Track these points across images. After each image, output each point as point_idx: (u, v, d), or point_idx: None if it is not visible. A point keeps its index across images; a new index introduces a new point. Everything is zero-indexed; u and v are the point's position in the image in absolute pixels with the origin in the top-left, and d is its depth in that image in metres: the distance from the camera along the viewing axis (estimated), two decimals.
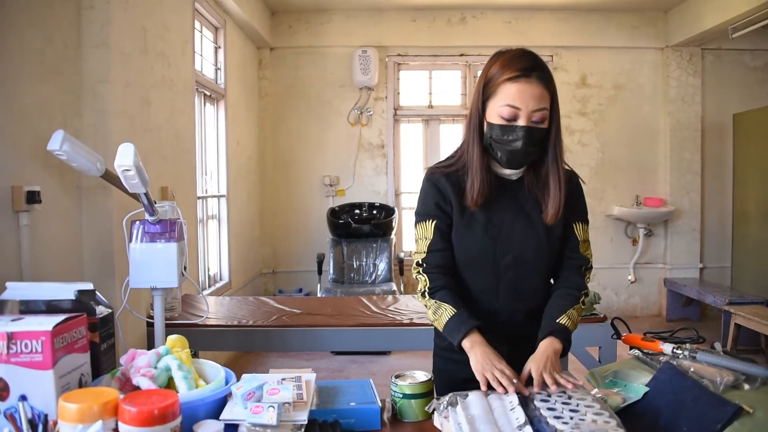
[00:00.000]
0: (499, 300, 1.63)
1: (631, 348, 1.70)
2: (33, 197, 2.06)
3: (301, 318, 3.03)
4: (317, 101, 6.36)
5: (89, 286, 1.62)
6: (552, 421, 1.24)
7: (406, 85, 6.55)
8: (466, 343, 1.52)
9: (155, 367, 1.48)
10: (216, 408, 1.36)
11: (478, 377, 1.46)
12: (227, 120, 4.96)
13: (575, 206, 1.68)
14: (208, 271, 4.69)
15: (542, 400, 1.35)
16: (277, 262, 6.45)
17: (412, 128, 6.62)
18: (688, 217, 6.34)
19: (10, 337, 1.30)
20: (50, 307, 1.55)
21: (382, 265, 5.62)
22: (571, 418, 1.25)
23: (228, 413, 1.34)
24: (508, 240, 1.61)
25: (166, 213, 2.15)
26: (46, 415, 1.23)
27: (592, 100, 6.37)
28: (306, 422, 1.32)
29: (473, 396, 1.40)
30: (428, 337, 2.85)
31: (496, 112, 1.52)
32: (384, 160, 6.45)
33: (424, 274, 1.64)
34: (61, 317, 1.37)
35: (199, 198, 4.31)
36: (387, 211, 6.01)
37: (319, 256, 5.61)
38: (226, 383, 1.46)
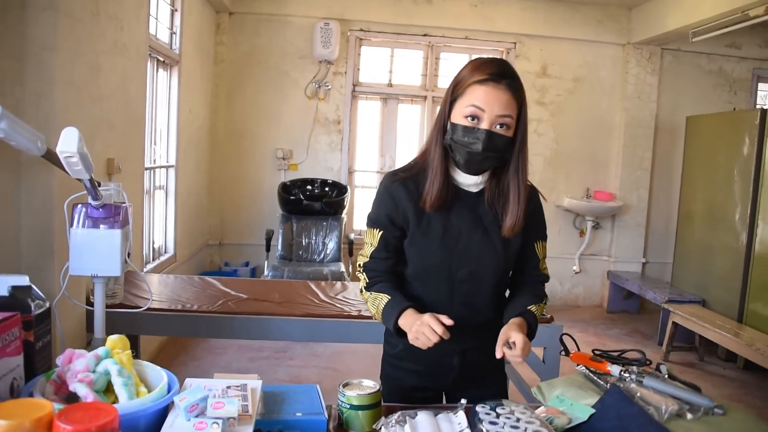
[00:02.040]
0: (452, 312, 1.58)
1: (578, 365, 1.71)
2: None
3: (248, 304, 2.95)
4: (275, 71, 6.18)
5: (25, 280, 1.52)
6: None
7: (366, 62, 6.44)
8: (401, 321, 1.55)
9: (94, 371, 1.40)
10: (158, 418, 1.30)
11: (416, 344, 1.49)
12: (180, 87, 4.76)
13: (536, 224, 1.70)
14: (153, 243, 4.54)
15: (491, 423, 1.34)
16: (225, 234, 6.31)
17: (370, 106, 6.52)
18: (635, 213, 6.49)
19: None
20: None
21: (331, 245, 5.57)
22: None
23: (169, 426, 1.27)
24: (465, 253, 1.61)
25: (111, 197, 2.04)
26: None
27: (551, 90, 6.40)
28: None
29: (422, 415, 1.38)
30: (375, 330, 2.86)
31: (461, 113, 1.51)
32: (339, 136, 6.35)
33: (364, 273, 1.68)
34: None
35: (147, 169, 4.14)
36: (339, 189, 5.94)
37: (268, 232, 5.51)
38: (169, 390, 1.40)
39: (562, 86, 6.41)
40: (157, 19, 4.29)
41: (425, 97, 6.44)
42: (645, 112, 6.36)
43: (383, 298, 1.60)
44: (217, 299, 3.02)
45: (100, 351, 1.45)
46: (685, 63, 6.43)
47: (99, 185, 2.04)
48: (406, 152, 6.48)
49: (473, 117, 1.49)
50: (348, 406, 1.46)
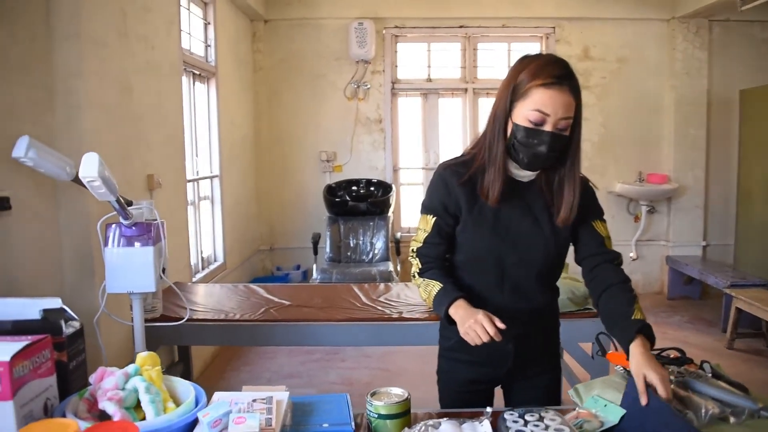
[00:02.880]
0: (503, 298, 1.67)
1: (616, 365, 1.65)
2: (2, 204, 2.00)
3: (289, 311, 2.97)
4: (312, 75, 6.23)
5: (57, 302, 1.57)
6: None
7: (404, 58, 6.41)
8: (451, 310, 1.58)
9: (123, 388, 1.44)
10: None
11: (466, 338, 1.52)
12: (219, 98, 4.85)
13: (591, 207, 1.76)
14: (201, 253, 4.64)
15: (518, 431, 1.31)
16: (275, 239, 6.40)
17: (410, 102, 6.49)
18: (691, 194, 6.24)
19: None
20: (16, 328, 1.50)
21: (379, 244, 5.57)
22: None
23: None
24: (515, 240, 1.65)
25: (142, 214, 2.09)
26: None
27: (594, 73, 6.22)
28: None
29: (446, 425, 1.36)
30: (416, 331, 2.84)
31: (523, 115, 1.53)
32: (382, 135, 6.34)
33: (417, 258, 1.72)
34: (21, 344, 1.32)
35: (189, 181, 4.23)
36: (384, 188, 5.93)
37: (315, 236, 5.55)
38: (197, 404, 1.42)
39: (606, 68, 6.22)
40: (190, 34, 4.38)
41: (465, 90, 6.36)
42: (696, 89, 6.11)
43: (435, 285, 1.64)
44: (259, 307, 3.05)
45: (130, 368, 1.48)
46: (736, 33, 6.13)
47: (131, 204, 2.09)
48: (450, 146, 6.42)
49: (538, 121, 1.52)
50: (376, 416, 1.46)
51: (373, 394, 1.50)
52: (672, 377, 1.51)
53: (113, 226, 2.06)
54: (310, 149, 6.33)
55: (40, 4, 2.35)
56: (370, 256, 5.57)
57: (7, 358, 1.25)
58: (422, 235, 1.71)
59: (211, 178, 4.86)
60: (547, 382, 1.79)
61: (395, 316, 2.88)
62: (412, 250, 1.74)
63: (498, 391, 1.85)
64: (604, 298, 1.65)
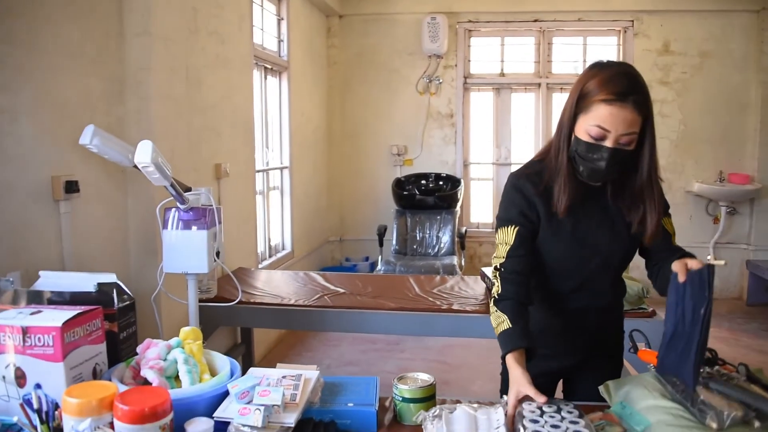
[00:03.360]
0: (581, 297, 1.70)
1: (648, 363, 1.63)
2: (71, 187, 2.19)
3: (342, 298, 3.07)
4: (385, 69, 6.31)
5: (112, 277, 1.71)
6: None
7: (476, 53, 6.39)
8: (508, 359, 1.54)
9: (165, 359, 1.55)
10: (215, 403, 1.41)
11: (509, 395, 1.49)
12: (290, 92, 5.01)
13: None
14: (269, 241, 4.82)
15: (531, 420, 1.33)
16: (345, 231, 6.55)
17: (482, 97, 6.47)
18: None
19: (25, 331, 1.40)
20: (74, 298, 1.65)
21: (445, 238, 5.60)
22: None
23: (222, 411, 1.38)
24: (595, 246, 1.64)
25: (199, 200, 2.22)
26: (56, 404, 1.32)
27: (675, 68, 5.98)
28: (293, 425, 1.35)
29: (460, 410, 1.40)
30: (464, 323, 2.87)
31: (584, 129, 1.52)
32: (453, 129, 6.36)
33: (499, 279, 1.65)
34: (74, 311, 1.46)
35: (259, 171, 4.41)
36: (453, 183, 5.95)
37: (380, 228, 5.64)
38: (231, 377, 1.52)
39: (687, 63, 5.96)
40: (262, 29, 4.55)
41: (539, 85, 6.27)
42: None
43: (505, 323, 1.58)
44: (315, 293, 3.17)
45: (173, 341, 1.60)
46: None
47: (189, 190, 2.23)
48: (522, 142, 6.36)
49: (598, 136, 1.50)
50: (401, 399, 1.51)
51: (400, 379, 1.55)
52: (700, 378, 1.48)
53: (172, 210, 2.21)
54: (382, 143, 6.42)
55: (113, 2, 2.54)
56: (436, 249, 5.61)
57: (59, 324, 1.39)
58: (504, 249, 1.65)
59: (281, 169, 5.03)
60: (609, 375, 1.74)
61: (444, 307, 2.92)
62: (495, 267, 1.68)
63: (559, 385, 1.88)
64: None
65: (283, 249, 5.10)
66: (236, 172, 3.75)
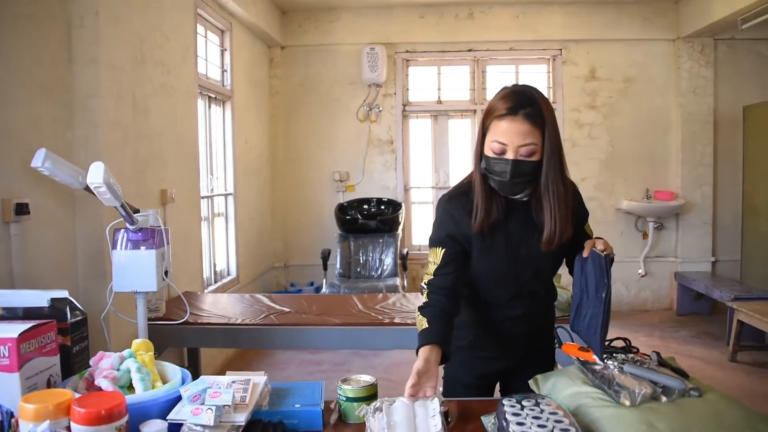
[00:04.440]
0: (518, 305, 1.80)
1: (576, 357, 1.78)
2: (22, 209, 2.24)
3: (288, 317, 3.16)
4: (327, 98, 6.48)
5: (64, 293, 1.76)
6: (514, 428, 1.32)
7: (414, 81, 6.62)
8: (420, 352, 1.63)
9: (118, 369, 1.62)
10: (168, 408, 1.48)
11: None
12: (234, 120, 5.10)
13: (581, 211, 1.83)
14: (215, 267, 4.86)
15: (514, 414, 1.40)
16: (289, 256, 6.61)
17: (421, 124, 6.69)
18: (699, 211, 6.30)
19: None
20: (27, 314, 1.70)
21: (388, 260, 5.73)
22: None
23: (175, 414, 1.46)
24: (528, 258, 1.74)
25: (147, 221, 2.29)
26: (11, 413, 1.37)
27: (602, 93, 6.36)
28: (243, 424, 1.43)
29: (399, 402, 1.49)
30: (406, 335, 2.98)
31: (489, 145, 1.63)
32: (393, 155, 6.54)
33: (425, 293, 1.76)
34: (29, 324, 1.52)
35: (204, 197, 4.46)
36: (394, 207, 6.12)
37: (324, 252, 5.74)
38: (183, 384, 1.60)
39: (613, 88, 6.35)
40: (206, 59, 4.64)
41: (474, 111, 6.54)
42: (702, 107, 6.20)
43: (423, 324, 1.68)
44: (260, 313, 3.25)
45: (125, 352, 1.67)
46: (742, 51, 6.22)
47: (137, 212, 2.30)
48: (460, 166, 6.58)
49: (499, 151, 1.61)
50: (344, 399, 1.60)
51: (343, 380, 1.64)
52: (614, 363, 1.64)
53: (121, 230, 2.28)
54: (325, 169, 6.55)
55: (62, 31, 2.62)
56: (379, 271, 5.73)
57: (15, 336, 1.45)
58: (432, 268, 1.75)
59: (226, 195, 5.09)
60: (543, 372, 1.84)
61: (387, 321, 3.04)
62: (424, 283, 1.79)
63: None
64: None
65: (229, 275, 5.13)
66: (181, 198, 3.81)
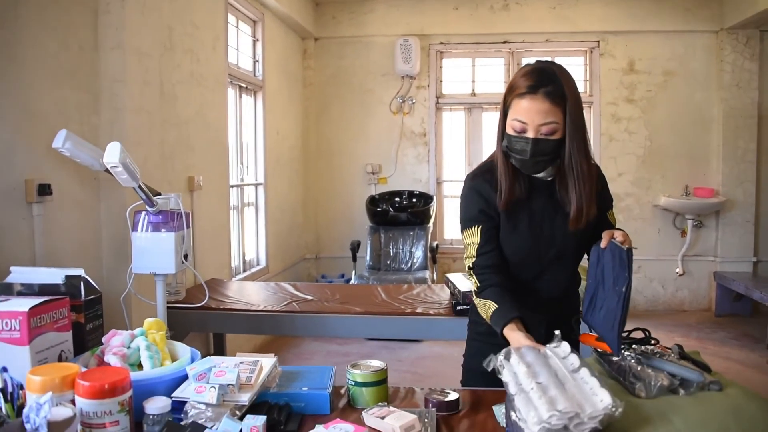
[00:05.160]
0: (540, 287, 1.77)
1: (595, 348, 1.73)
2: (44, 189, 2.29)
3: (310, 305, 3.16)
4: (360, 90, 6.47)
5: (80, 271, 1.78)
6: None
7: (448, 73, 6.56)
8: (506, 332, 1.62)
9: (128, 347, 1.63)
10: (174, 386, 1.49)
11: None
12: (265, 111, 5.13)
13: (606, 196, 1.80)
14: (244, 256, 4.90)
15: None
16: (320, 248, 6.63)
17: (454, 116, 6.63)
18: (741, 209, 6.09)
19: None
20: (42, 290, 1.72)
21: (418, 253, 5.70)
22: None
23: (180, 391, 1.46)
24: (551, 238, 1.72)
25: (168, 204, 2.31)
26: (21, 385, 1.39)
27: (640, 86, 6.19)
28: (247, 404, 1.43)
29: (526, 349, 1.43)
30: (427, 325, 2.96)
31: (510, 124, 1.62)
32: (426, 148, 6.50)
33: (474, 276, 1.74)
34: (41, 299, 1.54)
35: (233, 186, 4.50)
36: (426, 199, 6.08)
37: (353, 243, 5.74)
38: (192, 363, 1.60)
39: (652, 81, 6.18)
40: (237, 49, 4.67)
41: None
42: (746, 101, 5.99)
43: (491, 306, 1.67)
44: (283, 300, 3.26)
45: (137, 331, 1.68)
46: None
47: (158, 195, 2.32)
48: None
49: (519, 129, 1.60)
50: (353, 383, 1.59)
51: (353, 365, 1.63)
52: (632, 354, 1.58)
53: (142, 213, 2.30)
54: (357, 162, 6.54)
55: (89, 17, 2.66)
56: (409, 264, 5.70)
57: (26, 309, 1.47)
58: (472, 249, 1.73)
59: (256, 185, 5.12)
60: None
61: (408, 311, 3.01)
62: (468, 267, 1.76)
63: None
64: None
65: (258, 264, 5.17)
66: (210, 186, 3.84)
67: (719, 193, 6.07)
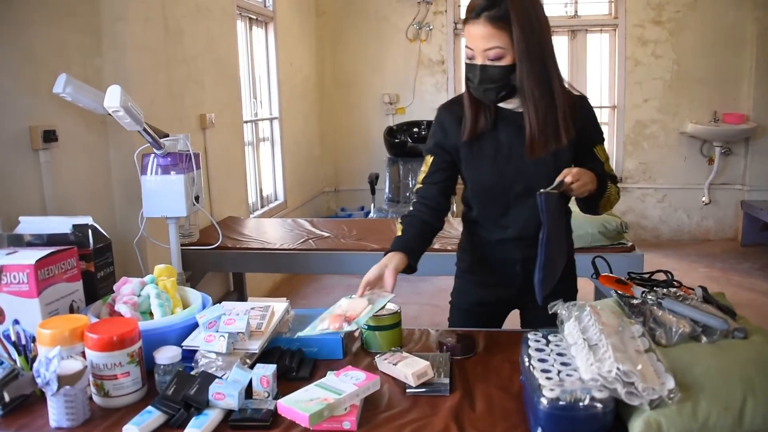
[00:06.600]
0: (511, 227, 1.71)
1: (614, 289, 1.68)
2: (50, 136, 2.24)
3: (326, 242, 3.14)
4: (375, 18, 6.25)
5: (88, 219, 1.76)
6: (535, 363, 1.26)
7: None
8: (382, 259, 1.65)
9: (138, 295, 1.62)
10: (185, 334, 1.48)
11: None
12: (277, 43, 4.98)
13: (592, 130, 1.72)
14: (261, 192, 4.88)
15: (537, 349, 1.32)
16: (339, 181, 6.59)
17: None
18: None
19: (1, 270, 1.46)
20: (51, 240, 1.71)
21: None
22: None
23: (190, 340, 1.45)
24: (516, 170, 1.66)
25: (176, 146, 2.27)
26: (33, 338, 1.39)
27: (668, 7, 5.89)
28: (257, 352, 1.42)
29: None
30: (444, 261, 2.91)
31: (466, 52, 1.58)
32: (444, 76, 6.33)
33: (411, 202, 1.78)
34: (48, 251, 1.52)
35: (247, 122, 4.43)
36: None
37: (371, 176, 5.68)
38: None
39: (681, 1, 5.86)
40: None
41: None
42: None
43: (398, 232, 1.71)
44: (300, 238, 3.24)
45: (147, 278, 1.67)
46: None
47: (166, 136, 2.27)
48: None
49: (469, 56, 1.56)
50: (366, 327, 1.57)
51: None
52: (654, 297, 1.53)
53: (150, 156, 2.26)
54: (374, 92, 6.40)
55: None
56: None
57: (33, 262, 1.45)
58: (421, 177, 1.76)
59: (271, 119, 5.04)
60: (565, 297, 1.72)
61: None
62: (412, 191, 1.81)
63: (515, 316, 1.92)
64: None
65: (276, 199, 5.16)
66: (222, 123, 3.78)
67: (750, 118, 5.85)
